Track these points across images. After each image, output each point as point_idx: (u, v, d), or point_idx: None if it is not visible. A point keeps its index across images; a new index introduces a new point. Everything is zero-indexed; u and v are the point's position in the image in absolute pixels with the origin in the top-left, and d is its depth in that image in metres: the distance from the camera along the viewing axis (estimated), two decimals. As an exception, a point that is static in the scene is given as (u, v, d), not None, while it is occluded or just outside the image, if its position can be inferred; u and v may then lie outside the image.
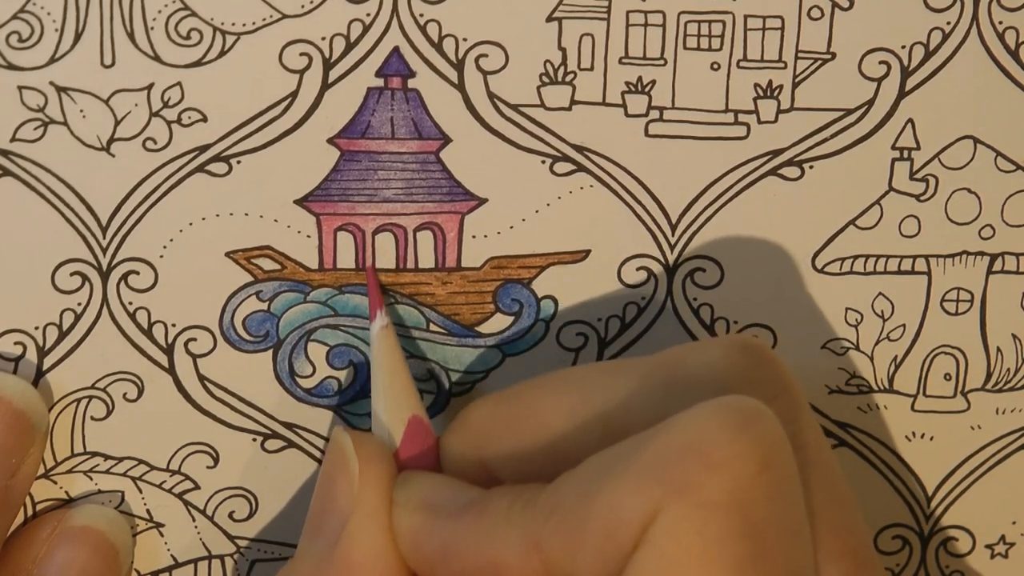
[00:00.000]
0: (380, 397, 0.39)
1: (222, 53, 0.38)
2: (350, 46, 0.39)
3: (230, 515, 0.43)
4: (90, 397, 0.41)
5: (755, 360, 0.36)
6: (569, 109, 0.40)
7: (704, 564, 0.31)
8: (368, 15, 0.39)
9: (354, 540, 0.37)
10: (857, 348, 0.44)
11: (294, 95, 0.39)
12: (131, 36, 0.38)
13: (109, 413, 0.41)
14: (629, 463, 0.32)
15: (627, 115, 0.41)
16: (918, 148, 0.42)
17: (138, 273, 0.40)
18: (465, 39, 0.39)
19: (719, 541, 0.31)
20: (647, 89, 0.40)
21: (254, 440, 0.42)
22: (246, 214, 0.40)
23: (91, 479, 0.42)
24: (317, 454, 0.42)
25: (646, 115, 0.41)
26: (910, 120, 0.42)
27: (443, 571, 0.36)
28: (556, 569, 0.33)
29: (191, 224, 0.40)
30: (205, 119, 0.39)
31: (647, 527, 0.31)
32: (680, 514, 0.31)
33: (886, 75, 0.41)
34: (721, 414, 0.32)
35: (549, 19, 0.40)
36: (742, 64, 0.41)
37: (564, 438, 0.37)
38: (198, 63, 0.38)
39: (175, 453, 0.42)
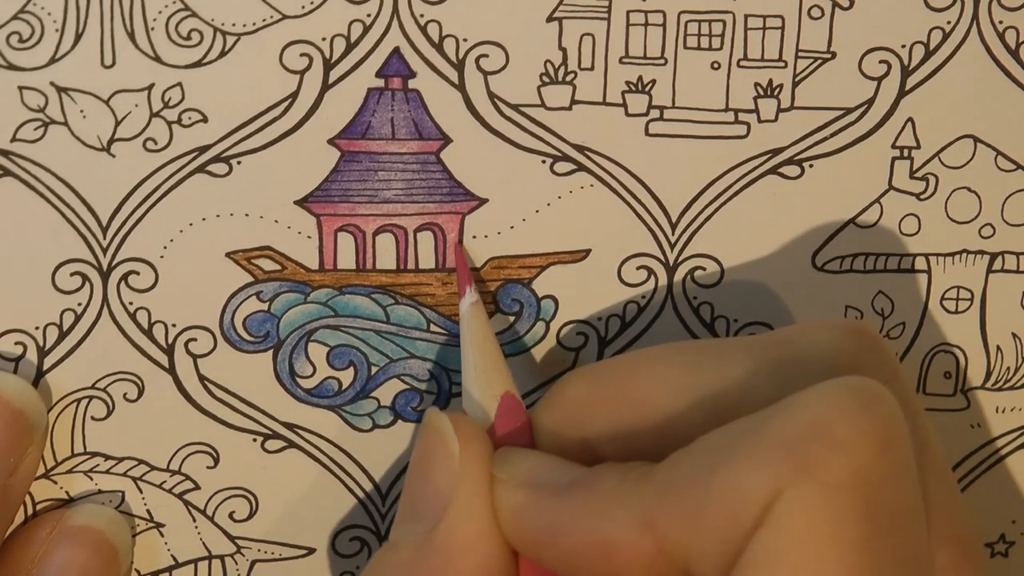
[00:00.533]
0: (472, 374, 0.39)
1: (222, 54, 0.38)
2: (350, 47, 0.39)
3: (230, 515, 0.43)
4: (90, 397, 0.41)
5: (866, 344, 0.36)
6: (569, 109, 0.40)
7: (826, 543, 0.31)
8: (368, 15, 0.39)
9: (457, 521, 0.36)
10: (857, 347, 0.44)
11: (294, 96, 0.39)
12: (131, 36, 0.38)
13: (109, 413, 0.41)
14: (751, 441, 0.32)
15: (627, 114, 0.41)
16: (918, 147, 0.42)
17: (138, 273, 0.40)
18: (465, 39, 0.39)
19: (841, 521, 0.31)
20: (647, 88, 0.40)
21: (254, 440, 0.42)
22: (246, 215, 0.40)
23: (91, 479, 0.42)
24: (317, 454, 0.42)
25: (646, 114, 0.41)
26: (910, 119, 0.42)
27: (549, 550, 0.35)
28: (671, 548, 0.33)
29: (191, 224, 0.40)
30: (205, 119, 0.39)
31: (770, 506, 0.31)
32: (804, 493, 0.31)
33: (886, 74, 0.41)
34: (844, 393, 0.32)
35: (549, 19, 0.40)
36: (742, 63, 0.41)
37: (670, 417, 0.36)
38: (198, 63, 0.38)
39: (175, 453, 0.42)
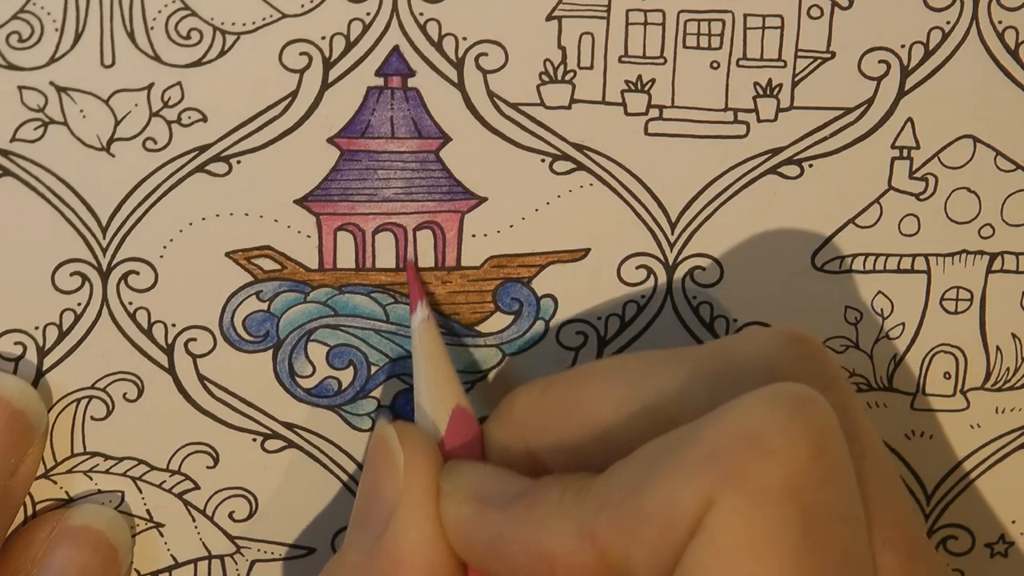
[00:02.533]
0: (423, 388, 0.39)
1: (222, 53, 0.38)
2: (350, 45, 0.39)
3: (230, 515, 0.43)
4: (90, 397, 0.41)
5: (804, 351, 0.37)
6: (569, 108, 0.40)
7: (760, 551, 0.31)
8: (368, 14, 0.39)
9: (401, 531, 0.37)
10: (856, 346, 0.44)
11: (294, 95, 0.39)
12: (131, 36, 0.38)
13: (109, 413, 0.41)
14: (682, 452, 0.32)
15: (627, 114, 0.41)
16: (918, 147, 0.42)
17: (138, 273, 0.40)
18: (465, 38, 0.39)
19: (774, 528, 0.31)
20: (647, 88, 0.40)
21: (254, 440, 0.42)
22: (246, 214, 0.40)
23: (91, 479, 0.42)
24: (317, 454, 0.42)
25: (646, 114, 0.41)
26: (910, 119, 0.42)
27: (494, 562, 0.36)
28: (610, 559, 0.33)
29: (191, 224, 0.40)
30: (205, 119, 0.39)
31: (702, 516, 0.31)
32: (735, 502, 0.31)
33: (886, 74, 0.41)
34: (773, 401, 0.32)
35: (549, 18, 0.40)
36: (742, 63, 0.41)
37: (613, 429, 0.37)
38: (198, 63, 0.38)
39: (175, 453, 0.42)
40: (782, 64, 0.41)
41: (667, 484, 0.32)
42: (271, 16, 0.38)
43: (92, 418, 0.41)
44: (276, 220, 0.40)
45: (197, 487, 0.42)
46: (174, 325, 0.41)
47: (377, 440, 0.38)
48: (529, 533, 0.35)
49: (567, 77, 0.40)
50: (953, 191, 0.43)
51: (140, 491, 0.42)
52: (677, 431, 0.33)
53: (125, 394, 0.41)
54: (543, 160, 0.41)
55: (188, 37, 0.38)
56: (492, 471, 0.38)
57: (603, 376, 0.38)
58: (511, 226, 0.41)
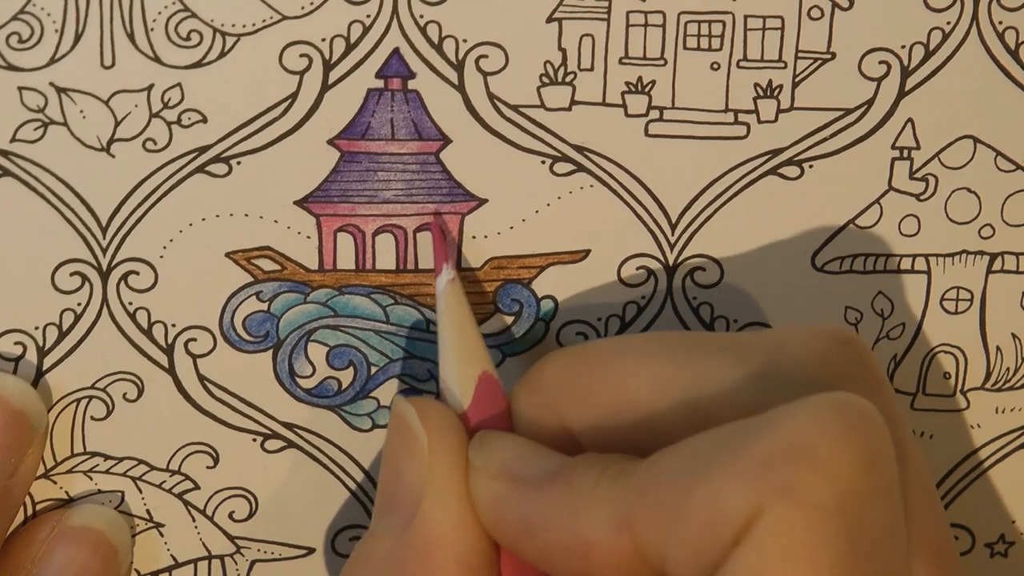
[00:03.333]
0: (448, 354, 0.39)
1: (222, 54, 0.38)
2: (350, 47, 0.39)
3: (230, 515, 0.43)
4: (90, 397, 0.41)
5: (853, 354, 0.36)
6: (569, 109, 0.40)
7: (806, 564, 0.31)
8: (368, 16, 0.39)
9: (432, 515, 0.36)
10: (857, 347, 0.44)
11: (294, 96, 0.39)
12: (131, 37, 0.38)
13: (109, 413, 0.41)
14: (733, 456, 0.32)
15: (627, 115, 0.41)
16: (918, 147, 0.42)
17: (138, 273, 0.40)
18: (465, 40, 0.39)
19: (822, 542, 0.31)
20: (647, 89, 0.40)
21: (254, 440, 0.42)
22: (246, 215, 0.40)
23: (91, 479, 0.42)
24: (317, 454, 0.42)
25: (646, 115, 0.41)
26: (910, 120, 0.42)
27: (526, 543, 0.35)
28: (647, 552, 0.33)
29: (191, 225, 0.40)
30: (205, 120, 0.39)
31: (750, 524, 0.31)
32: (785, 514, 0.31)
33: (886, 75, 0.41)
34: (828, 412, 0.32)
35: (549, 20, 0.40)
36: (742, 64, 0.41)
37: (649, 411, 0.36)
38: (198, 64, 0.38)
39: (175, 453, 0.42)
40: (782, 65, 0.41)
41: (715, 487, 0.31)
42: (271, 18, 0.38)
43: (92, 418, 0.41)
44: (276, 221, 0.40)
45: (197, 487, 0.42)
46: (174, 325, 0.41)
47: (396, 420, 0.38)
48: (564, 517, 0.34)
49: (567, 79, 0.40)
50: (953, 191, 0.43)
51: (140, 491, 0.42)
52: (726, 429, 0.33)
53: (125, 394, 0.41)
54: (543, 162, 0.41)
55: (188, 38, 0.38)
56: (525, 445, 0.37)
57: (641, 352, 0.37)
58: (511, 228, 0.41)
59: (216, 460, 0.42)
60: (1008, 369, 0.45)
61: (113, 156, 0.39)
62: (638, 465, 0.34)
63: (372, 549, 0.37)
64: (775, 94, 0.41)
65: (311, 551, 0.43)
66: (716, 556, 0.31)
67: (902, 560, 0.32)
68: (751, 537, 0.31)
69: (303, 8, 0.38)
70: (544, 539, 0.35)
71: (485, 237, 0.41)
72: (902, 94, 0.42)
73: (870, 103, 0.42)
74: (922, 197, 0.43)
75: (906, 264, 0.43)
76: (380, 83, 0.39)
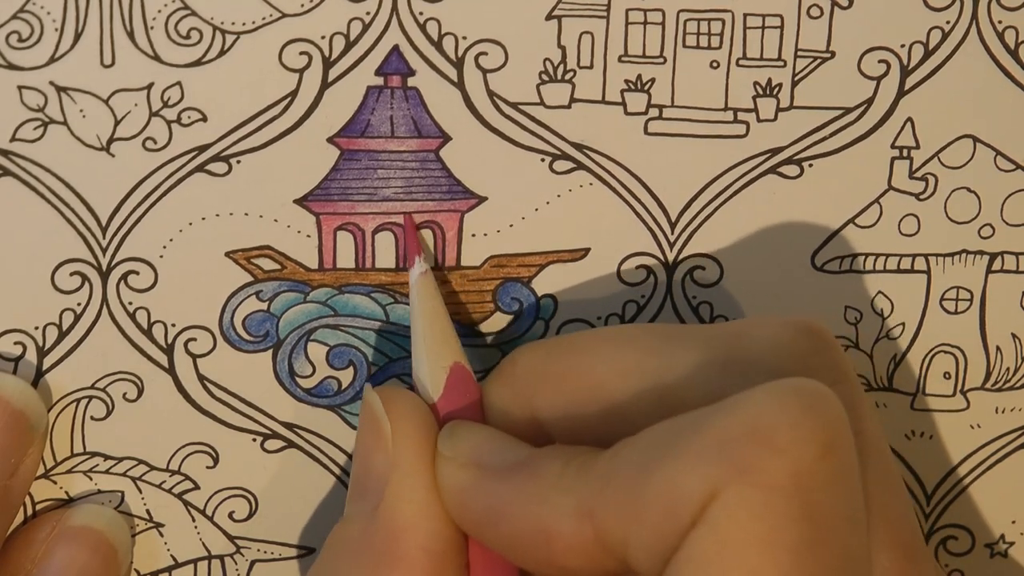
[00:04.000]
0: (420, 345, 0.39)
1: (222, 52, 0.38)
2: (350, 45, 0.39)
3: (230, 515, 0.43)
4: (90, 397, 0.41)
5: (818, 344, 0.37)
6: (568, 107, 0.40)
7: (762, 546, 0.31)
8: (368, 14, 0.39)
9: (396, 502, 0.36)
10: (856, 346, 0.44)
11: (294, 94, 0.39)
12: (131, 36, 0.38)
13: (109, 413, 0.41)
14: (691, 440, 0.32)
15: (626, 113, 0.41)
16: (917, 147, 0.42)
17: (138, 273, 0.40)
18: (465, 37, 0.39)
19: (778, 524, 0.31)
20: (646, 87, 0.40)
21: (254, 440, 0.42)
22: (246, 214, 0.40)
23: (91, 479, 0.42)
24: (317, 454, 0.42)
25: (645, 113, 0.41)
26: (909, 119, 0.42)
27: (490, 532, 0.35)
28: (608, 540, 0.33)
29: (191, 224, 0.40)
30: (205, 119, 0.39)
31: (706, 506, 0.31)
32: (741, 495, 0.31)
33: (885, 74, 0.41)
34: (786, 396, 0.32)
35: (548, 17, 0.40)
36: (741, 62, 0.41)
37: (617, 398, 0.36)
38: (198, 63, 0.38)
39: (175, 453, 0.42)
40: (782, 64, 0.41)
41: (673, 470, 0.32)
42: (271, 16, 0.38)
43: (92, 418, 0.41)
44: (276, 220, 0.40)
45: (197, 487, 0.42)
46: (174, 325, 0.41)
47: (363, 409, 0.38)
48: (528, 506, 0.34)
49: (567, 76, 0.40)
50: (953, 191, 0.43)
51: (140, 491, 0.42)
52: (686, 417, 0.33)
53: (125, 394, 0.41)
54: (543, 159, 0.41)
55: (188, 37, 0.38)
56: (492, 435, 0.37)
57: (611, 343, 0.37)
58: (511, 226, 0.41)
59: (216, 460, 0.42)
60: (1008, 369, 0.45)
61: (113, 155, 0.39)
62: (601, 455, 0.34)
63: (344, 534, 0.37)
64: (775, 93, 0.41)
65: (311, 551, 0.43)
66: (675, 539, 0.32)
67: (861, 545, 0.32)
68: (707, 519, 0.31)
69: (303, 6, 0.38)
70: (508, 527, 0.35)
71: (484, 235, 0.41)
72: (902, 93, 0.42)
73: (870, 102, 0.42)
74: (922, 197, 0.43)
75: (906, 264, 0.43)
76: (380, 80, 0.39)
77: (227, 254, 0.40)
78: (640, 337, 0.37)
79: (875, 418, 0.37)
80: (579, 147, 0.41)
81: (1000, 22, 0.41)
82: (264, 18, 0.38)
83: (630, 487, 0.32)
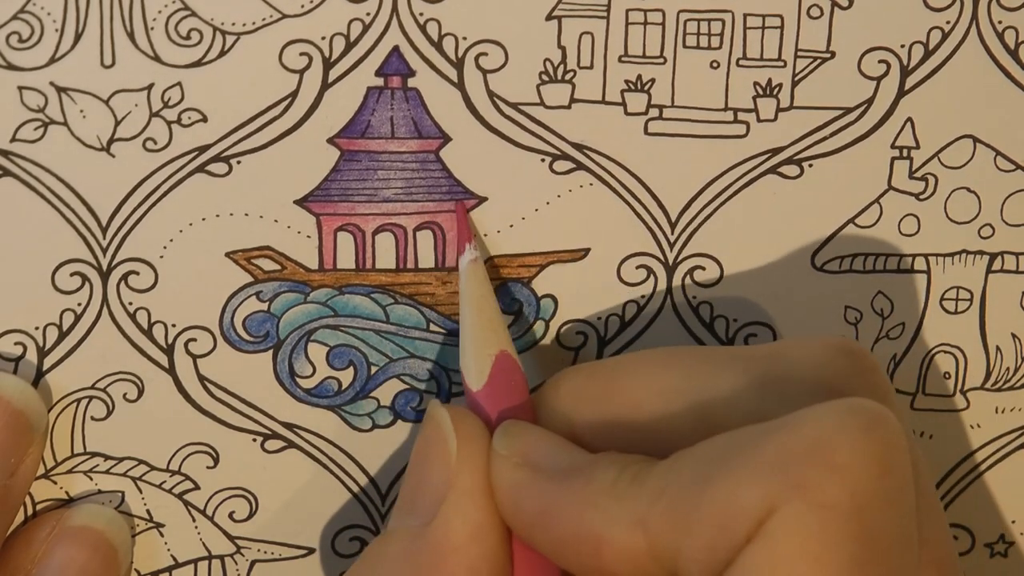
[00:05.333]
0: (467, 332, 0.39)
1: (222, 53, 0.38)
2: (350, 45, 0.39)
3: (230, 515, 0.43)
4: (90, 397, 0.41)
5: (857, 365, 0.36)
6: (569, 107, 0.40)
7: (817, 564, 0.31)
8: (368, 14, 0.39)
9: (450, 519, 0.36)
10: (857, 347, 0.44)
11: (294, 95, 0.39)
12: (131, 36, 0.38)
13: (109, 413, 0.41)
14: (750, 455, 0.32)
15: (627, 113, 0.41)
16: (917, 147, 0.42)
17: (138, 273, 0.40)
18: (465, 38, 0.39)
19: (835, 543, 0.31)
20: (647, 87, 0.40)
21: (254, 440, 0.42)
22: (246, 214, 0.40)
23: (91, 479, 0.42)
24: (317, 454, 0.42)
25: (645, 113, 0.41)
26: (909, 119, 0.42)
27: (541, 534, 0.35)
28: (659, 551, 0.33)
29: (191, 224, 0.40)
30: (205, 119, 0.39)
31: (763, 522, 0.31)
32: (798, 512, 0.31)
33: (885, 74, 0.41)
34: (846, 416, 0.32)
35: (549, 17, 0.40)
36: (741, 62, 0.41)
37: (657, 419, 0.37)
38: (198, 63, 0.38)
39: (175, 453, 0.42)
40: (782, 64, 0.41)
41: (730, 484, 0.32)
42: (271, 16, 0.38)
43: (92, 418, 0.41)
44: (276, 220, 0.40)
45: (197, 487, 0.42)
46: (174, 325, 0.41)
47: (429, 423, 0.38)
48: (581, 511, 0.34)
49: (567, 77, 0.40)
50: (953, 191, 0.43)
51: (140, 491, 0.42)
52: (744, 432, 0.33)
53: (125, 394, 0.41)
54: (543, 160, 0.41)
55: (188, 37, 0.38)
56: (548, 437, 0.37)
57: (651, 365, 0.37)
58: (511, 226, 0.41)
59: (216, 460, 0.42)
60: (1008, 369, 0.45)
61: (113, 156, 0.39)
62: (656, 465, 0.34)
63: (385, 548, 0.37)
64: (775, 93, 0.41)
65: (311, 551, 0.43)
66: (728, 553, 0.32)
67: (912, 566, 0.32)
68: (763, 534, 0.31)
69: (303, 6, 0.38)
70: (559, 530, 0.35)
71: (485, 235, 0.41)
72: (902, 93, 0.42)
73: (869, 102, 0.42)
74: (922, 197, 0.43)
75: (906, 264, 0.43)
76: (380, 81, 0.39)
77: (227, 254, 0.40)
78: (678, 359, 0.37)
79: (912, 436, 0.37)
80: (579, 147, 0.41)
81: (1000, 22, 0.41)
82: (264, 19, 0.38)
83: (686, 499, 0.32)
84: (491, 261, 0.41)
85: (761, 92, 0.41)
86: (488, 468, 0.37)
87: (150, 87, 0.38)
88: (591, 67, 0.40)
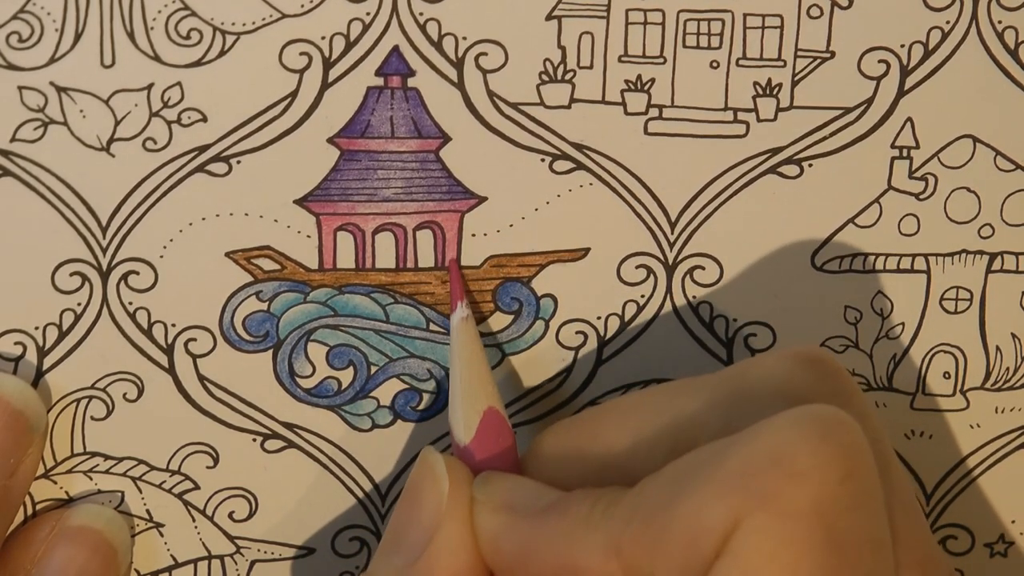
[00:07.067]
0: (457, 387, 0.39)
1: (222, 53, 0.38)
2: (350, 45, 0.39)
3: (230, 515, 0.43)
4: (90, 397, 0.41)
5: (819, 371, 0.37)
6: (568, 107, 0.40)
7: (786, 573, 0.31)
8: (368, 14, 0.39)
9: (438, 556, 0.37)
10: (856, 346, 0.44)
11: (294, 95, 0.39)
12: (131, 36, 0.38)
13: (109, 413, 0.41)
14: (711, 471, 0.32)
15: (626, 113, 0.41)
16: (917, 147, 0.42)
17: (138, 273, 0.40)
18: (465, 38, 0.39)
19: (802, 551, 0.31)
20: (646, 87, 0.40)
21: (254, 440, 0.42)
22: (246, 214, 0.40)
23: (91, 479, 0.42)
24: (317, 454, 0.42)
25: (645, 113, 0.41)
26: (909, 119, 0.42)
27: (522, 572, 0.36)
28: (635, 573, 0.33)
29: (191, 224, 0.40)
30: (205, 119, 0.39)
31: (729, 536, 0.31)
32: (762, 523, 0.31)
33: (885, 74, 0.41)
34: (804, 423, 0.32)
35: (549, 17, 0.40)
36: (741, 62, 0.41)
37: (631, 457, 0.37)
38: (198, 63, 0.38)
39: (175, 453, 0.42)
40: (782, 64, 0.41)
41: (695, 502, 0.32)
42: (271, 16, 0.38)
43: (92, 418, 0.41)
44: (276, 220, 0.40)
45: (197, 487, 0.42)
46: (174, 325, 0.41)
47: (422, 465, 0.38)
48: (558, 545, 0.35)
49: (567, 77, 0.40)
50: (953, 191, 0.43)
51: (140, 491, 0.42)
52: (705, 449, 0.33)
53: (125, 394, 0.41)
54: (543, 160, 0.41)
55: (188, 37, 0.38)
56: (524, 482, 0.38)
57: (623, 407, 0.38)
58: (511, 226, 0.41)
59: (216, 460, 0.42)
60: (1008, 369, 0.45)
61: (113, 156, 0.39)
62: (627, 493, 0.34)
63: None
64: (774, 93, 0.41)
65: (311, 551, 0.43)
66: (700, 570, 0.32)
67: (887, 569, 0.32)
68: (730, 549, 0.31)
69: (303, 6, 0.38)
70: (538, 566, 0.35)
71: (484, 235, 0.41)
72: (901, 93, 0.42)
73: (869, 102, 0.42)
74: (921, 196, 0.43)
75: (905, 264, 0.43)
76: (380, 81, 0.39)
77: (227, 254, 0.40)
78: (649, 396, 0.38)
79: (885, 438, 0.37)
80: (579, 147, 0.41)
81: (1000, 22, 0.41)
82: (264, 18, 0.38)
83: (655, 521, 0.33)
84: (491, 261, 0.41)
85: (761, 92, 0.41)
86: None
87: (150, 87, 0.38)
88: (591, 67, 0.40)
